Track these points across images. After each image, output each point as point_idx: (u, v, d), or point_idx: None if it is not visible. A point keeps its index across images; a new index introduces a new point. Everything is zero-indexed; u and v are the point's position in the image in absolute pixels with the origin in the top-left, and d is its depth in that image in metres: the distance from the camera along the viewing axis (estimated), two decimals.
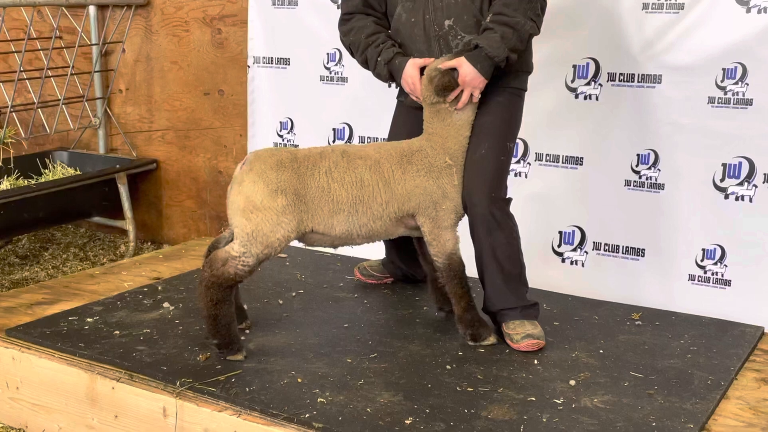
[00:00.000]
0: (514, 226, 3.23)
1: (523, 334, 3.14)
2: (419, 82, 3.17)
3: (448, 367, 3.00)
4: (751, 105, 3.71)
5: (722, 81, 3.76)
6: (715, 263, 3.86)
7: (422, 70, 3.18)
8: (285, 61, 4.86)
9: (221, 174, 5.27)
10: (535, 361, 3.06)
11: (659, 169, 3.95)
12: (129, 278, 4.05)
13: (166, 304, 3.59)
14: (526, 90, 3.32)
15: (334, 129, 4.76)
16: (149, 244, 5.59)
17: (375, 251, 4.00)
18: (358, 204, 3.05)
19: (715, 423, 2.66)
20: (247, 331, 3.30)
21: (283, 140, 4.93)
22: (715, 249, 3.87)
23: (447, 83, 3.06)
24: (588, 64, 4.03)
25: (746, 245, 3.79)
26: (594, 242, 4.15)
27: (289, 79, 4.86)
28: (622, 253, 4.09)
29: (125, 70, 5.52)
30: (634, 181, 4.01)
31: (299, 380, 2.88)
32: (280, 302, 3.63)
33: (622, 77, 3.98)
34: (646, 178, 3.99)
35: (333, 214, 3.04)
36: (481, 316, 3.23)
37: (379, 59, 3.27)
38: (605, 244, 4.13)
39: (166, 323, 3.40)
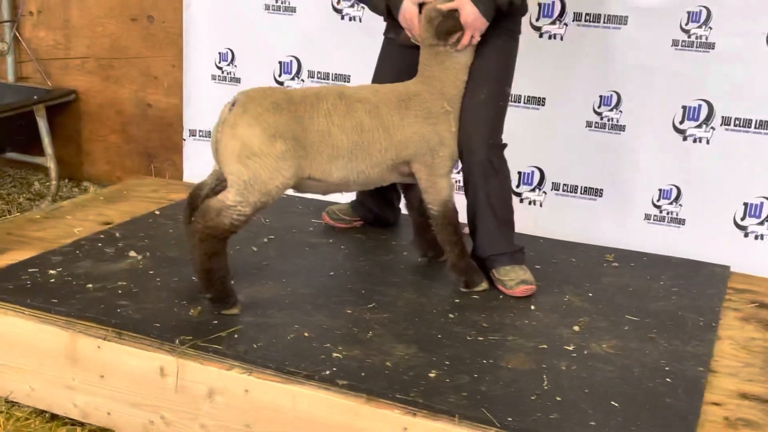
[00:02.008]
0: (508, 172, 3.19)
1: (516, 279, 3.14)
2: (417, 20, 3.04)
3: (450, 315, 2.97)
4: (713, 49, 3.79)
5: (686, 24, 3.81)
6: (671, 203, 3.98)
7: (420, 6, 3.05)
8: None
9: (150, 107, 4.96)
10: (532, 307, 3.07)
11: (621, 111, 3.99)
12: (76, 223, 3.76)
13: (132, 253, 3.37)
14: (520, 32, 3.25)
15: (280, 62, 4.55)
16: (67, 181, 5.22)
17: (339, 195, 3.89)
18: (357, 150, 2.92)
19: (718, 364, 2.77)
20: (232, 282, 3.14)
21: (222, 72, 4.67)
22: (671, 189, 3.98)
23: (450, 27, 2.94)
24: (553, 2, 3.99)
25: (701, 186, 3.92)
26: (553, 183, 4.19)
27: (229, 6, 4.58)
28: (581, 193, 4.15)
29: None
30: (596, 123, 4.05)
31: (306, 334, 2.77)
32: (254, 249, 3.48)
33: (588, 17, 3.97)
34: (608, 120, 4.03)
35: (332, 159, 2.90)
36: (473, 263, 3.20)
37: None
38: (564, 185, 4.17)
39: (140, 275, 3.18)
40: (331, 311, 2.95)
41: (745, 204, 3.87)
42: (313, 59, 4.49)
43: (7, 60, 5.14)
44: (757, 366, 2.78)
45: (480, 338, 2.81)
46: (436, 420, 2.38)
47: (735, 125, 3.82)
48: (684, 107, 3.88)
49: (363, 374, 2.54)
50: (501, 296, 3.15)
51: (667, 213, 4.01)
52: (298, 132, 2.83)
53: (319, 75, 4.50)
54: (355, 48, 4.34)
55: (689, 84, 3.85)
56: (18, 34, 5.11)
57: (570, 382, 2.54)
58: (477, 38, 3.01)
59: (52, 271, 3.17)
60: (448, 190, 3.10)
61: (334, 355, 2.65)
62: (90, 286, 3.06)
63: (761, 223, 3.86)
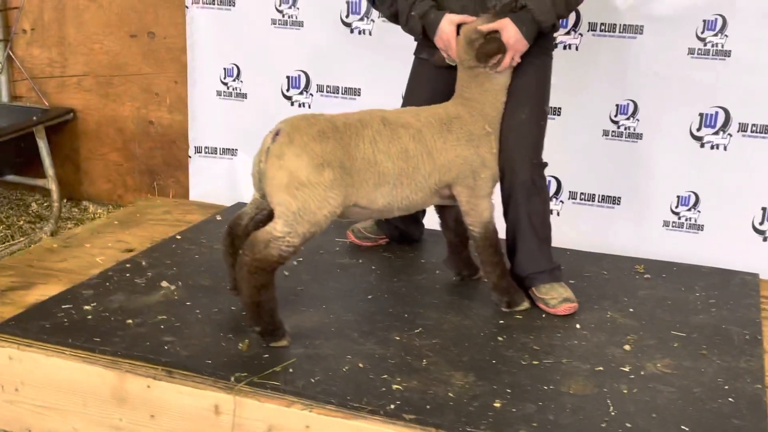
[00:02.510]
0: (548, 190, 3.19)
1: (559, 298, 3.14)
2: (455, 41, 3.01)
3: (499, 338, 2.96)
4: (729, 56, 3.82)
5: (702, 32, 3.83)
6: (689, 209, 4.02)
7: (458, 27, 3.02)
8: (229, 2, 4.49)
9: (152, 124, 4.86)
10: (577, 326, 3.07)
11: (638, 119, 4.01)
12: (97, 252, 3.68)
13: (164, 283, 3.30)
14: (554, 49, 3.24)
15: (288, 77, 4.48)
16: (66, 201, 5.10)
17: None
18: (403, 176, 2.89)
19: None
20: None
21: (228, 88, 4.59)
22: (689, 196, 4.01)
23: (492, 49, 2.92)
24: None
25: (719, 192, 3.96)
26: (570, 191, 4.19)
27: (234, 21, 4.50)
28: (598, 201, 4.16)
29: (30, 8, 4.91)
30: (612, 131, 4.06)
31: (360, 365, 2.74)
32: (286, 273, 3.43)
33: (603, 27, 3.97)
34: (624, 128, 4.05)
35: (377, 186, 2.86)
36: (514, 283, 3.20)
37: (412, 13, 3.07)
38: (581, 193, 4.18)
39: (178, 307, 3.12)
40: (379, 339, 2.92)
41: (764, 209, 3.92)
42: (322, 73, 4.43)
43: (1, 79, 5.00)
44: None
45: (535, 362, 2.80)
46: None
47: (752, 131, 3.86)
48: (701, 114, 3.91)
49: (428, 407, 2.52)
50: (544, 315, 3.15)
51: (686, 219, 4.04)
52: (345, 160, 2.79)
53: (328, 89, 4.45)
54: (365, 61, 4.31)
55: (706, 91, 3.88)
56: (11, 53, 4.96)
57: (635, 406, 2.55)
58: (517, 60, 2.99)
59: (86, 307, 3.09)
60: (489, 211, 3.08)
61: (394, 386, 2.62)
62: (130, 321, 2.99)
63: None
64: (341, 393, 2.58)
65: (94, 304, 3.12)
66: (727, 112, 3.88)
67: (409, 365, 2.76)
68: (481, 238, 3.11)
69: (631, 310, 3.21)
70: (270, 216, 2.97)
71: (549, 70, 3.19)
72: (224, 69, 4.57)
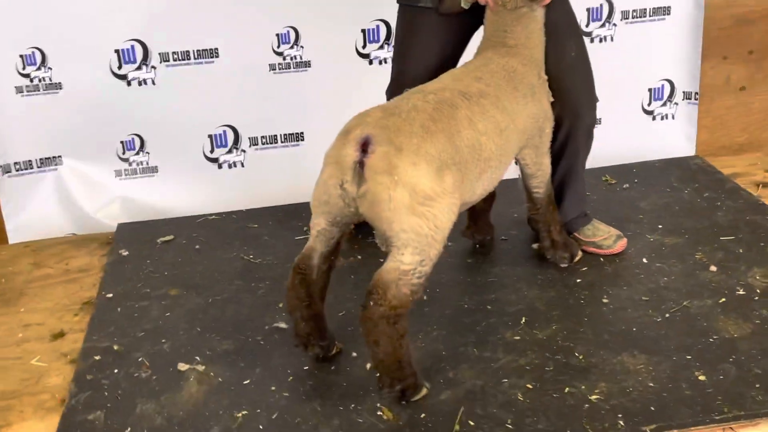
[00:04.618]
0: None
1: (610, 236, 2.94)
2: None
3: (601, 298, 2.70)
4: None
5: None
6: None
7: None
8: None
9: None
10: (644, 260, 2.92)
11: None
12: (22, 353, 2.63)
13: (182, 366, 2.46)
14: None
15: (118, 51, 3.50)
16: None
17: None
18: (502, 155, 2.41)
19: None
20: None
21: (32, 81, 3.47)
22: None
23: None
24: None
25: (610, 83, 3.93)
26: None
27: None
28: None
29: None
30: None
31: (520, 398, 2.29)
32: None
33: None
34: None
35: (481, 174, 2.35)
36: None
37: None
38: None
39: (227, 392, 2.34)
40: (500, 360, 2.43)
41: (650, 90, 4.02)
42: (165, 38, 3.52)
43: None
44: None
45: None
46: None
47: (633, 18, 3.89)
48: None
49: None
50: (601, 258, 2.92)
51: None
52: (454, 154, 2.23)
53: (175, 57, 3.56)
54: (220, 12, 3.51)
55: None
56: None
57: None
58: None
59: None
60: (549, 166, 2.73)
61: (592, 396, 2.27)
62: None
63: (664, 104, 4.06)
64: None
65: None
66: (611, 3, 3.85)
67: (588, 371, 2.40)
68: (546, 198, 2.76)
69: (660, 226, 3.13)
70: (338, 245, 2.34)
71: None
72: (21, 57, 3.43)
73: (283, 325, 2.63)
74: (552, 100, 2.65)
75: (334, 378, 2.38)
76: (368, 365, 2.42)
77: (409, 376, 2.24)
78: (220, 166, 3.72)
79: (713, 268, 2.84)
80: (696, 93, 3.92)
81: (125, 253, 3.12)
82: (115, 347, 2.57)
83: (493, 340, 2.52)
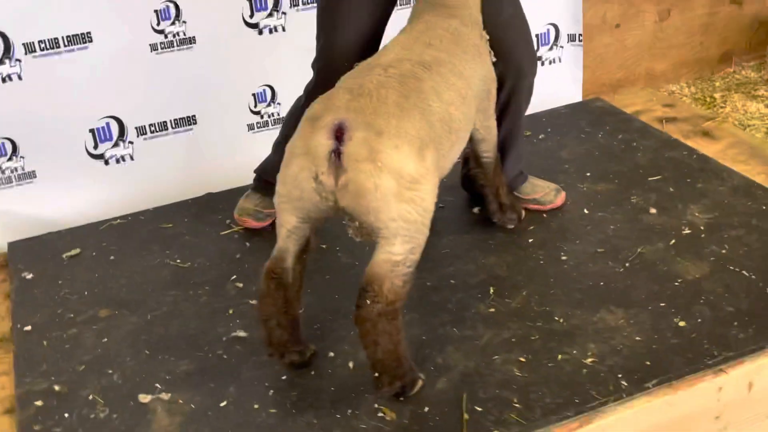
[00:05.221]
0: None
1: (549, 191, 2.90)
2: None
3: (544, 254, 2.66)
4: None
5: None
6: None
7: None
8: None
9: None
10: (585, 210, 2.91)
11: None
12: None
13: (143, 397, 2.20)
14: None
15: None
16: None
17: None
18: (468, 124, 2.28)
19: None
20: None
21: None
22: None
23: None
24: None
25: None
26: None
27: None
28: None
29: None
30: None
31: (517, 373, 2.22)
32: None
33: None
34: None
35: (452, 147, 2.22)
36: None
37: None
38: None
39: (206, 417, 2.13)
40: (485, 321, 2.39)
41: None
42: (28, 28, 3.10)
43: None
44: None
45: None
46: None
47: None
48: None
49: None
50: (544, 215, 2.88)
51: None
52: (429, 130, 2.08)
53: (42, 46, 3.16)
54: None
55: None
56: None
57: None
58: None
59: None
60: (496, 129, 2.63)
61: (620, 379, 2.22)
62: None
63: (551, 49, 4.06)
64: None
65: None
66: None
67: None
68: (493, 162, 2.66)
69: (587, 174, 3.12)
70: (308, 242, 2.16)
71: None
72: None
73: (242, 334, 2.40)
74: (494, 59, 2.53)
75: (318, 384, 2.21)
76: (350, 364, 2.27)
77: (409, 371, 2.11)
78: (106, 163, 3.36)
79: (653, 210, 2.86)
80: (580, 35, 3.94)
81: (29, 276, 2.75)
82: (56, 387, 2.26)
83: (468, 315, 2.42)
